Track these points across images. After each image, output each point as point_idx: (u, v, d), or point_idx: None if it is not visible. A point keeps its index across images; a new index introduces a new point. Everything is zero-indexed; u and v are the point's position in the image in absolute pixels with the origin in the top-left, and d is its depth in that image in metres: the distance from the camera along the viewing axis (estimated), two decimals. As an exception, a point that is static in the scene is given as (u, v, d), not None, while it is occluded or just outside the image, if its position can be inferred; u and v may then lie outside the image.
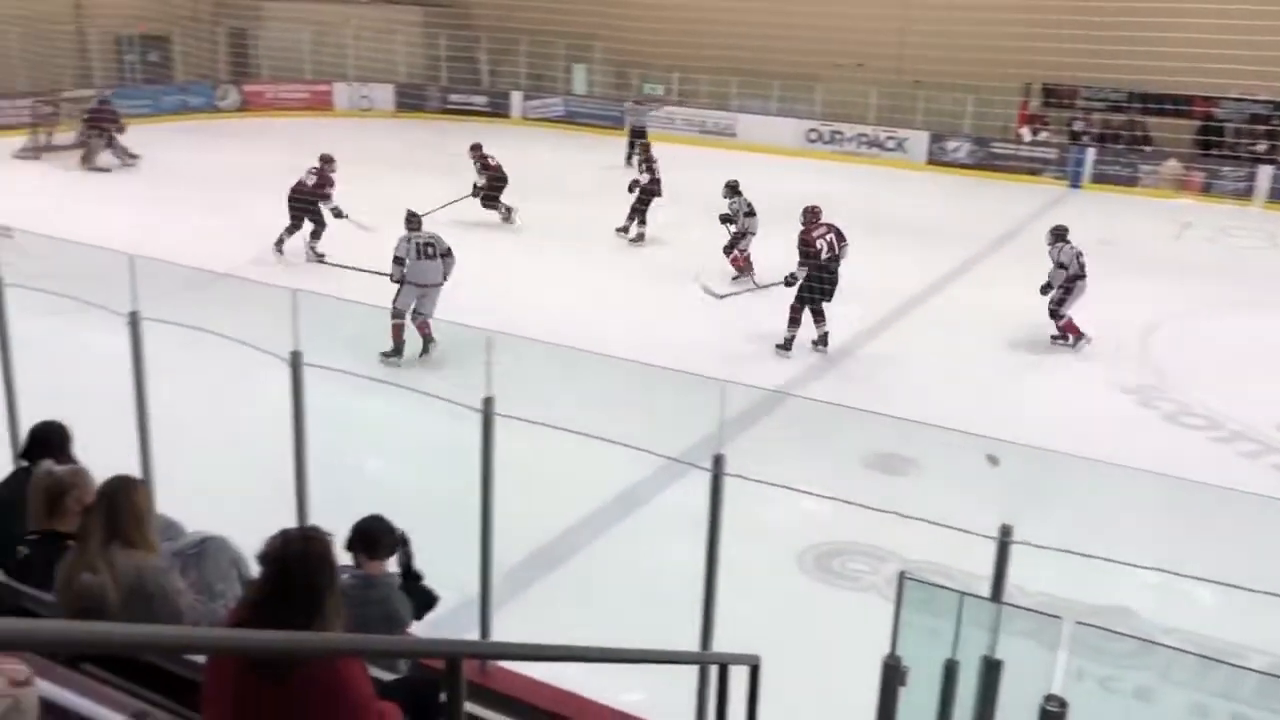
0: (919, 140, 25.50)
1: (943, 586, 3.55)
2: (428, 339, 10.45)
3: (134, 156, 20.86)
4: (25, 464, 4.72)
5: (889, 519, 4.54)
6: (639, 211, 16.50)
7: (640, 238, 16.47)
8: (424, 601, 4.73)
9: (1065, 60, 23.00)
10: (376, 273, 11.96)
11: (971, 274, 15.64)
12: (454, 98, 29.94)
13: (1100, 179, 23.81)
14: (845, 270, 11.87)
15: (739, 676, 4.45)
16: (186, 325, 5.85)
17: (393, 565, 4.70)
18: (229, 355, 5.83)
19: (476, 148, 17.47)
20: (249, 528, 4.19)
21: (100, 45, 27.01)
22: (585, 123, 28.77)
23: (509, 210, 17.16)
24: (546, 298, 12.86)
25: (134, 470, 5.06)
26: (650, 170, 16.67)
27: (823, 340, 11.65)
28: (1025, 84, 25.37)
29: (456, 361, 4.78)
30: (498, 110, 29.52)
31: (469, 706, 2.96)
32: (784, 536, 7.47)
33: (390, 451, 8.52)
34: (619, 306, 12.95)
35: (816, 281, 11.50)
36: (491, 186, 17.10)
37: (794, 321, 11.53)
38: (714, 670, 4.50)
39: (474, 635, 4.99)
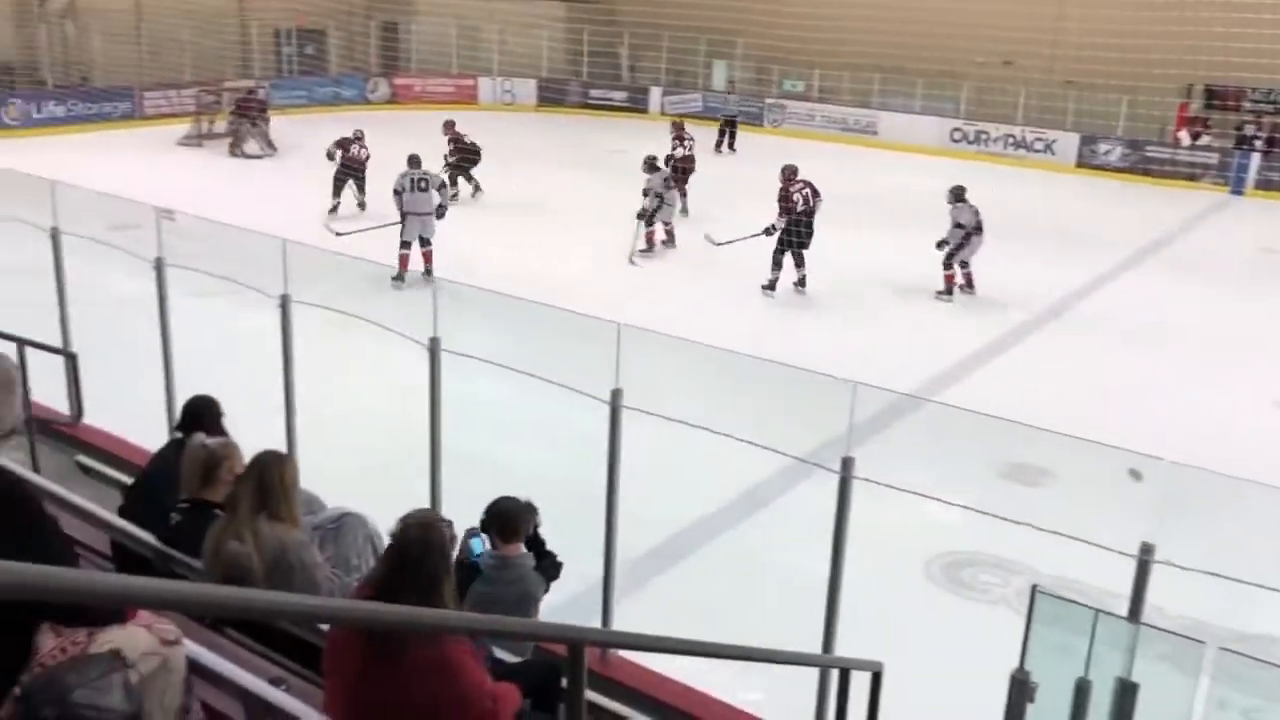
0: (1068, 142, 24.65)
1: (1077, 602, 3.44)
2: (430, 267, 11.87)
3: (272, 148, 21.75)
4: (179, 436, 4.97)
5: (1022, 531, 4.41)
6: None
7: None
8: (552, 572, 4.75)
9: (1231, 60, 21.87)
10: (384, 225, 13.13)
11: (1120, 281, 15.04)
12: (594, 93, 30.27)
13: (1265, 185, 22.60)
14: (992, 273, 11.63)
15: (860, 682, 4.40)
16: (333, 309, 6.07)
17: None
18: (370, 339, 6.03)
19: (449, 124, 18.59)
20: (385, 505, 4.34)
21: (260, 38, 28.22)
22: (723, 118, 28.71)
23: (477, 186, 18.30)
24: (673, 292, 12.89)
25: (279, 445, 5.28)
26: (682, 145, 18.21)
27: (801, 282, 13.26)
28: (1185, 85, 24.24)
29: (586, 353, 4.87)
30: (636, 105, 29.73)
31: (589, 694, 3.00)
32: (912, 544, 7.33)
33: (521, 438, 8.67)
34: (745, 306, 12.89)
35: (795, 229, 13.14)
36: (463, 160, 18.21)
37: (776, 265, 13.20)
38: (834, 675, 4.45)
39: (595, 624, 5.05)
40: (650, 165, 15.50)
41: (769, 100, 28.61)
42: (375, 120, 25.85)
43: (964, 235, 13.32)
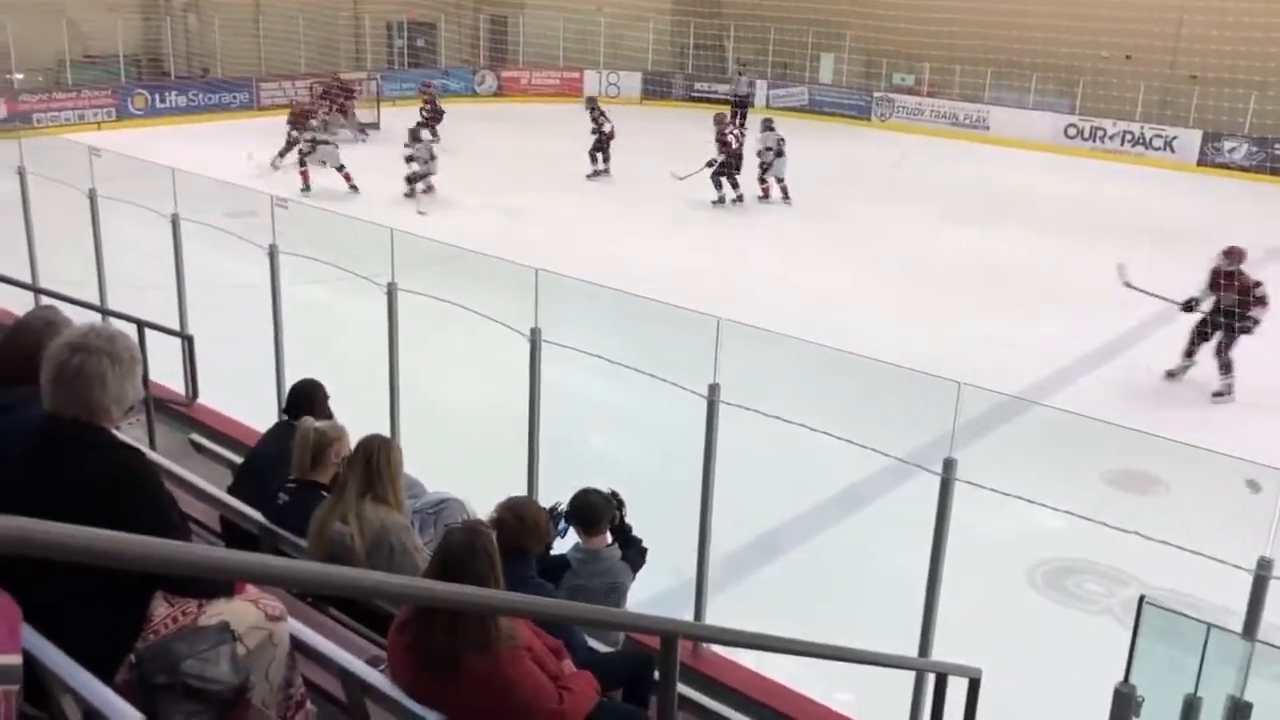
0: (1190, 139, 23.75)
1: (1188, 616, 3.32)
2: None
3: (363, 134, 22.37)
4: (286, 418, 5.11)
5: (1130, 540, 4.27)
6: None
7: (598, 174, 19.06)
8: (638, 560, 4.73)
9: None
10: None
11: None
12: (699, 86, 30.20)
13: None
14: (1105, 274, 11.33)
15: (957, 689, 4.31)
16: (438, 298, 6.17)
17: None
18: (473, 328, 6.11)
19: (592, 103, 19.89)
20: (484, 492, 4.40)
21: (373, 31, 28.84)
22: (829, 112, 28.42)
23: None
24: (774, 288, 12.80)
25: (383, 430, 5.39)
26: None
27: (739, 199, 17.25)
28: (1318, 79, 23.17)
29: (685, 347, 4.87)
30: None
31: (680, 687, 3.00)
32: (1014, 549, 7.16)
33: (618, 429, 8.73)
34: (847, 302, 12.73)
35: (731, 163, 17.23)
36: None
37: (718, 186, 17.22)
38: (930, 679, 4.37)
39: (688, 618, 5.05)
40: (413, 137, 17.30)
41: (876, 94, 28.18)
42: (481, 113, 26.26)
43: (773, 155, 16.74)
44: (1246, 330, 10.38)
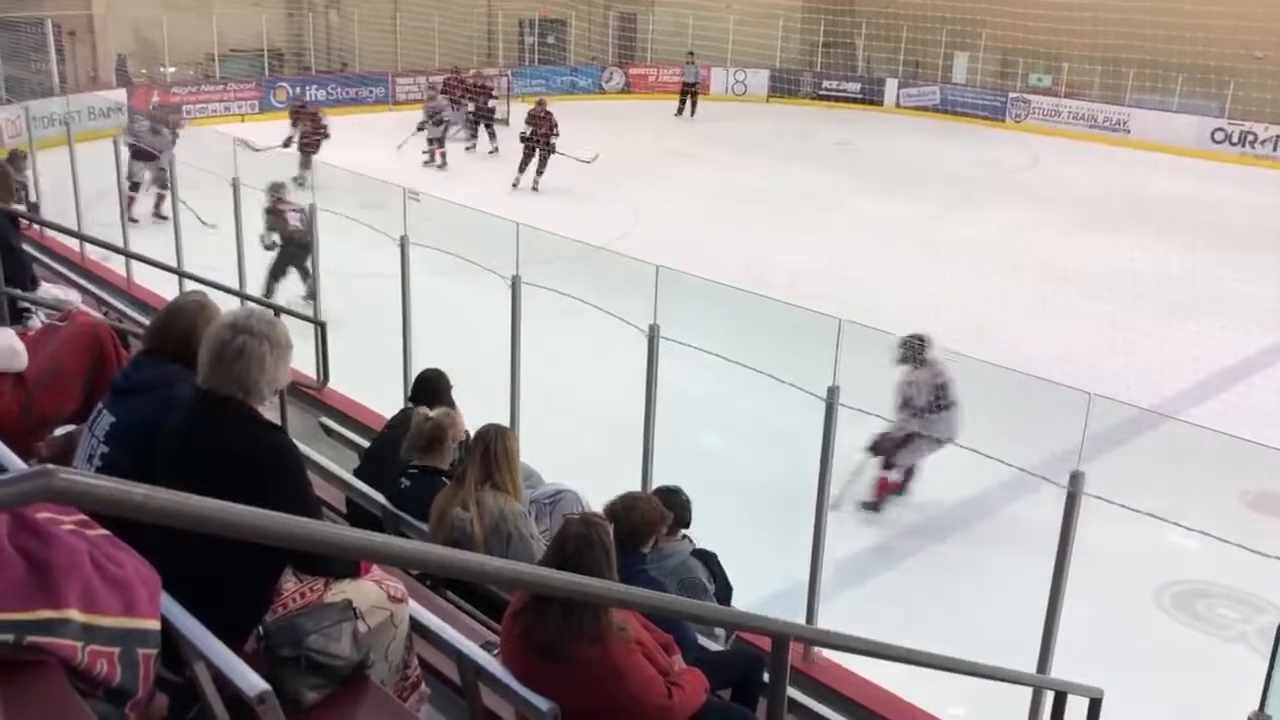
0: (1350, 145, 22.47)
1: (1330, 649, 3.16)
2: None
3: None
4: (411, 405, 5.25)
5: (1270, 566, 4.07)
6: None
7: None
8: (723, 595, 4.67)
9: None
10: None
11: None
12: (827, 84, 29.85)
13: None
14: (1254, 288, 10.80)
15: (1077, 708, 4.17)
16: (560, 292, 6.25)
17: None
18: (595, 323, 6.17)
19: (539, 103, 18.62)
20: (599, 486, 4.44)
21: (506, 27, 29.32)
22: (962, 112, 27.78)
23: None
24: (902, 293, 12.57)
25: (504, 420, 5.49)
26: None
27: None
28: None
29: (805, 350, 4.83)
30: (871, 98, 29.11)
31: (789, 690, 2.98)
32: (1142, 568, 6.90)
33: (735, 429, 8.69)
34: (979, 308, 12.42)
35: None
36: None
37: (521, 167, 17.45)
38: (1049, 697, 4.25)
39: (799, 620, 5.01)
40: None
41: (1012, 94, 27.42)
42: (608, 110, 26.45)
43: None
44: None
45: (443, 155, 19.63)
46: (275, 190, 10.62)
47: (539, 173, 17.75)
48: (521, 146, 17.92)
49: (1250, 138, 23.68)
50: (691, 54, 27.85)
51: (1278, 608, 6.34)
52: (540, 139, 17.72)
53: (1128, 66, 25.10)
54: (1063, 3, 24.52)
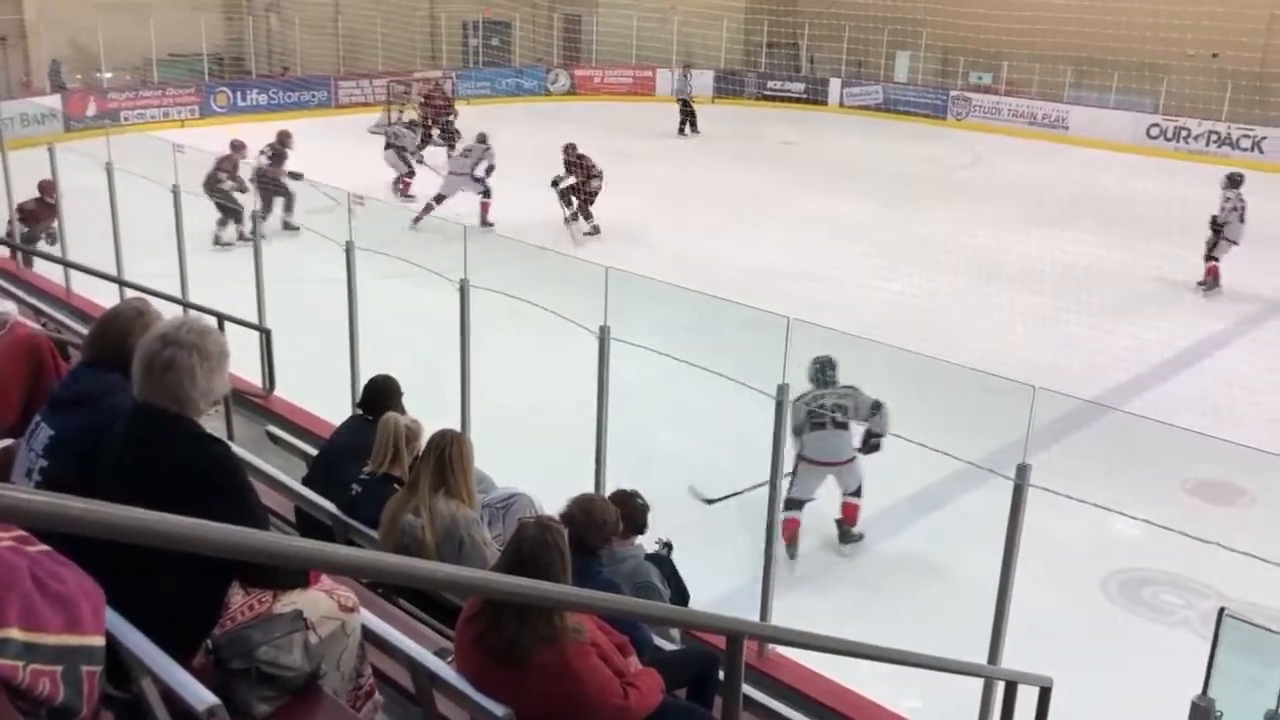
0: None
1: (1270, 630, 3.23)
2: None
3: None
4: (360, 412, 5.19)
5: (1211, 552, 4.16)
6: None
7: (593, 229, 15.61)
8: (678, 598, 4.67)
9: None
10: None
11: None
12: (771, 84, 30.04)
13: None
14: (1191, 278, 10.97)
15: (1027, 697, 4.24)
16: (509, 295, 6.22)
17: (644, 541, 4.70)
18: (545, 325, 6.16)
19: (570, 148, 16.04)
20: (552, 489, 4.43)
21: (449, 30, 29.16)
22: (904, 111, 28.10)
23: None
24: (848, 290, 12.69)
25: (454, 425, 5.45)
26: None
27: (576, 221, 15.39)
28: None
29: (757, 349, 4.87)
30: (815, 97, 29.34)
31: (744, 687, 2.99)
32: (1088, 558, 7.02)
33: (687, 428, 8.71)
34: (922, 304, 12.57)
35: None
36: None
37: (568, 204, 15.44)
38: (1000, 687, 4.30)
39: (754, 618, 5.03)
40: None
41: (953, 93, 27.79)
42: (554, 112, 26.40)
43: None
44: None
45: (406, 184, 17.81)
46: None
47: (587, 217, 15.68)
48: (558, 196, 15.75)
49: (1184, 133, 24.20)
50: (686, 66, 26.99)
51: (1219, 593, 6.48)
52: (579, 186, 15.62)
53: (1066, 64, 25.56)
54: (1002, 2, 24.91)
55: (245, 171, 13.45)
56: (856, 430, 7.23)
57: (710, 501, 7.58)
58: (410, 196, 17.11)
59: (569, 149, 15.91)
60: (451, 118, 21.52)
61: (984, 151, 23.39)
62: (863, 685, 4.88)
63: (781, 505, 5.15)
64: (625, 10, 29.85)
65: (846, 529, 7.32)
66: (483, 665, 2.82)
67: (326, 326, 7.82)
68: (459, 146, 17.97)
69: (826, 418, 7.12)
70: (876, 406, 7.08)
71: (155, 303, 4.80)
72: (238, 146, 13.81)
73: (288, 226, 13.65)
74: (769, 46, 30.54)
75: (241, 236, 12.86)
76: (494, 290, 6.30)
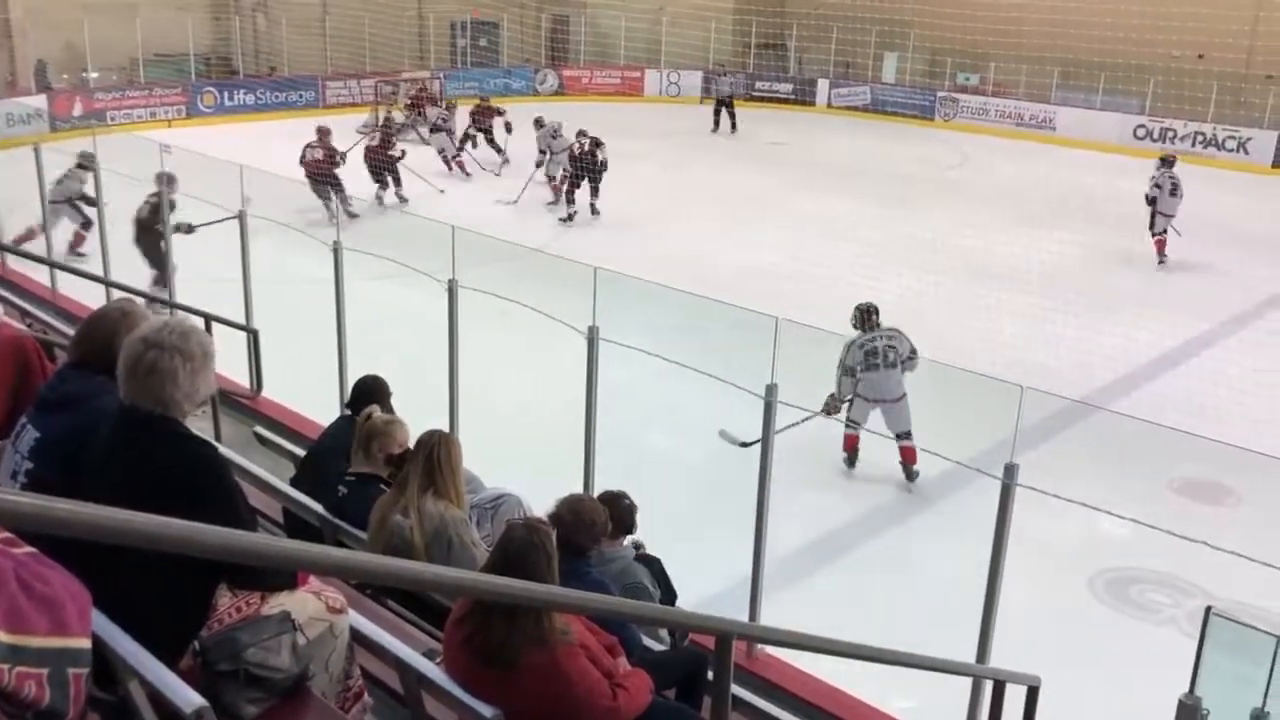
0: (1265, 140, 23.14)
1: (1257, 628, 3.25)
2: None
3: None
4: (348, 413, 5.18)
5: (1198, 551, 4.18)
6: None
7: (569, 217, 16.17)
8: (667, 598, 4.68)
9: None
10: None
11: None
12: (760, 85, 30.07)
13: None
14: (1176, 278, 11.02)
15: (1015, 696, 4.25)
16: (498, 295, 6.22)
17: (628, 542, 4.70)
18: (534, 325, 6.15)
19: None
20: (541, 489, 4.42)
21: (437, 30, 29.10)
22: (892, 112, 28.17)
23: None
24: (836, 289, 12.70)
25: (443, 425, 5.44)
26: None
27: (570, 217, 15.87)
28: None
29: (746, 349, 4.88)
30: (803, 98, 29.39)
31: (733, 687, 2.99)
32: (1076, 557, 7.04)
33: (676, 428, 8.72)
34: (911, 304, 12.59)
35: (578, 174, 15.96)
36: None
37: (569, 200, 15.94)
38: (988, 686, 4.32)
39: (743, 618, 5.03)
40: (538, 124, 17.54)
41: (940, 94, 27.86)
42: (544, 111, 26.33)
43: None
44: None
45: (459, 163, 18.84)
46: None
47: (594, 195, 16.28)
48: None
49: (1170, 134, 24.31)
50: (723, 65, 28.27)
51: (1206, 592, 6.51)
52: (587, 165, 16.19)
53: (1053, 65, 25.65)
54: (989, 3, 24.99)
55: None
56: None
57: (745, 445, 7.61)
58: (468, 174, 18.35)
59: (581, 134, 16.75)
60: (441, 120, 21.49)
61: (972, 152, 23.45)
62: (851, 685, 4.90)
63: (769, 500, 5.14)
64: (613, 11, 29.84)
65: (909, 468, 7.86)
66: (471, 666, 2.82)
67: (314, 327, 7.80)
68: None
69: (880, 359, 7.95)
70: (914, 351, 8.08)
71: (142, 304, 4.78)
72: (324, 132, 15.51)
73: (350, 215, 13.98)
74: (757, 47, 30.55)
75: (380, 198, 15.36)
76: (482, 291, 6.29)
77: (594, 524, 3.87)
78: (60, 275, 9.29)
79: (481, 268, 6.69)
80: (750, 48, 30.66)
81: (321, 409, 6.65)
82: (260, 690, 2.56)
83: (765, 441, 4.94)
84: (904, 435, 7.77)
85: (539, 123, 17.60)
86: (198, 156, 11.40)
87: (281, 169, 13.67)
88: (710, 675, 3.48)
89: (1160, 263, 14.47)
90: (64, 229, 11.81)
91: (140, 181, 8.82)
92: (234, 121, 23.79)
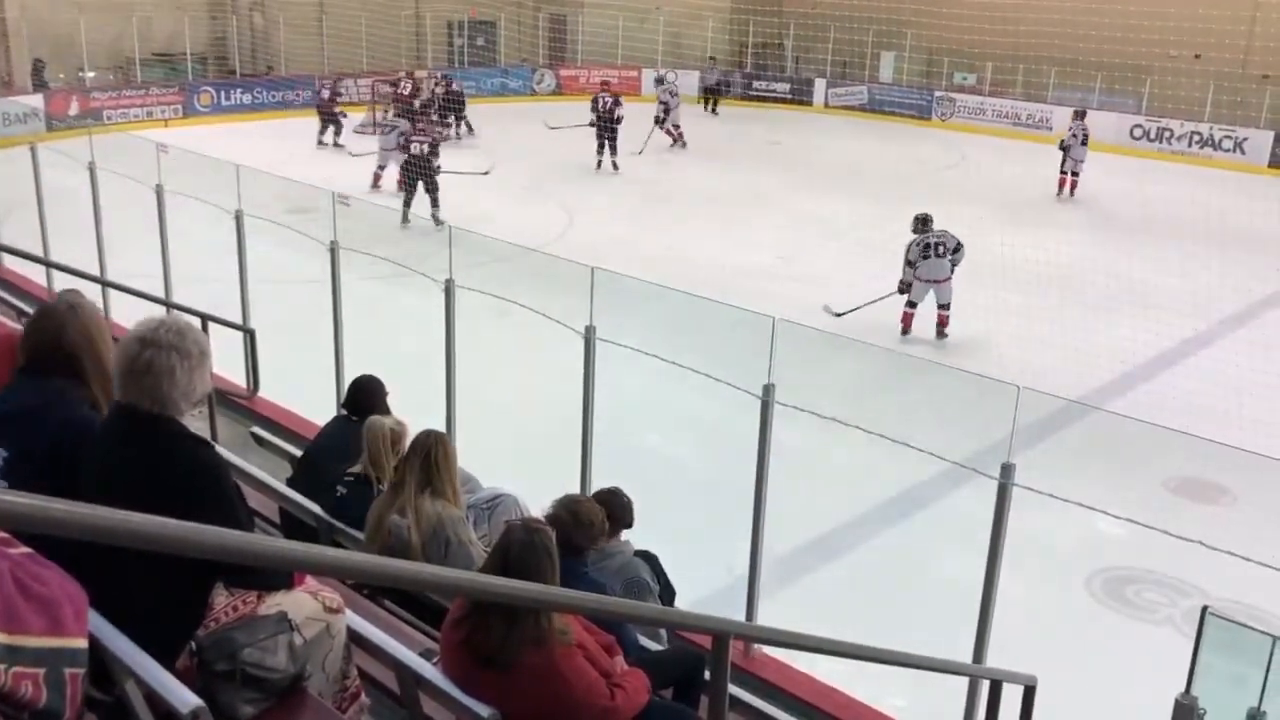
0: (1261, 141, 23.16)
1: (1253, 628, 3.25)
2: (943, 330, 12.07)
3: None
4: (344, 413, 5.17)
5: (1194, 550, 4.18)
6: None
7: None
8: (666, 597, 4.69)
9: None
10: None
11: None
12: (757, 85, 30.07)
13: None
14: (1172, 278, 11.04)
15: (1012, 696, 4.25)
16: (495, 295, 6.22)
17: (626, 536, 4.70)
18: (531, 325, 6.15)
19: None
20: (538, 489, 4.42)
21: (434, 29, 29.07)
22: (889, 111, 28.17)
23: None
24: (832, 290, 12.71)
25: (439, 425, 5.44)
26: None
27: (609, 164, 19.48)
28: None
29: (743, 348, 4.87)
30: (800, 98, 29.38)
31: (730, 687, 2.99)
32: (1072, 556, 7.05)
33: (673, 427, 8.72)
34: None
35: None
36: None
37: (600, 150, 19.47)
38: (985, 686, 4.32)
39: (740, 618, 5.03)
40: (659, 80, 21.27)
41: (937, 93, 27.86)
42: (542, 111, 26.34)
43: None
44: None
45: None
46: None
47: (613, 152, 19.62)
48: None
49: (1167, 134, 24.32)
50: (713, 58, 29.47)
51: (1202, 591, 6.52)
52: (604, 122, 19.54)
53: (1049, 65, 25.66)
54: (986, 3, 24.99)
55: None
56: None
57: (840, 314, 11.16)
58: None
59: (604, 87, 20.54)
60: (433, 116, 21.59)
61: (970, 151, 23.45)
62: (848, 684, 4.90)
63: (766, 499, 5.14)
64: (610, 10, 29.81)
65: (941, 329, 11.23)
66: (469, 667, 2.82)
67: (311, 327, 7.79)
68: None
69: (933, 251, 11.27)
70: (960, 245, 11.40)
71: (139, 303, 4.78)
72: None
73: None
74: (754, 47, 30.55)
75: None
76: (480, 290, 6.29)
77: (592, 524, 3.87)
78: (57, 275, 9.27)
79: (479, 268, 6.70)
80: (747, 47, 30.65)
81: (318, 409, 6.64)
82: (257, 690, 2.56)
83: (764, 442, 4.94)
84: (944, 306, 11.15)
85: (660, 80, 22.13)
86: (194, 155, 11.39)
87: (279, 168, 13.67)
88: (707, 675, 3.48)
89: (1058, 195, 17.94)
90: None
91: (137, 182, 8.79)
92: (231, 121, 23.76)
